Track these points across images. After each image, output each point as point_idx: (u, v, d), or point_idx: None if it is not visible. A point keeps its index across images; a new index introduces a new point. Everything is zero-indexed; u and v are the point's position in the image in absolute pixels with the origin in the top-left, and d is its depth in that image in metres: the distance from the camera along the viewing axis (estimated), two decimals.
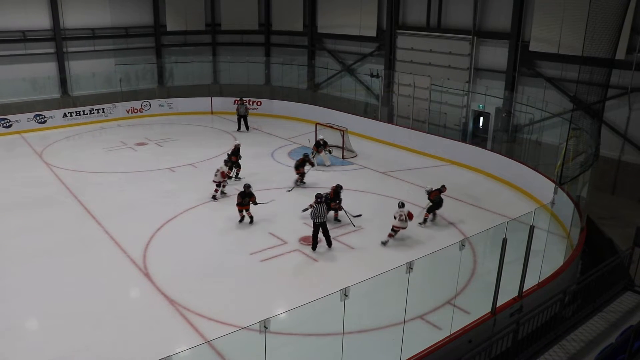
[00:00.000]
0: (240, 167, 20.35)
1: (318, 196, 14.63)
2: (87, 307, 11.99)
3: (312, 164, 20.18)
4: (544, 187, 17.19)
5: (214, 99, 31.68)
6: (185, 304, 12.03)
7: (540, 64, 21.75)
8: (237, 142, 20.84)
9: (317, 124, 24.68)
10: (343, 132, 23.15)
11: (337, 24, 30.50)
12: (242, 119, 27.65)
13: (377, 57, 28.73)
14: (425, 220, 16.39)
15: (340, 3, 30.04)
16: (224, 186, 18.52)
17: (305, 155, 19.99)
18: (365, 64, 29.48)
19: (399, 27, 27.28)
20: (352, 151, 23.45)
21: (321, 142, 21.99)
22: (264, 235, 15.40)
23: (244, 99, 28.54)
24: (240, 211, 16.29)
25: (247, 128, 27.72)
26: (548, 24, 20.88)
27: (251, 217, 16.32)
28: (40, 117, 27.70)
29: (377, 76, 27.64)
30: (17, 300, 12.35)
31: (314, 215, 14.31)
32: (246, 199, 16.05)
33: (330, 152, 22.32)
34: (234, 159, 20.15)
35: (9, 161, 22.81)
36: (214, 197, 18.29)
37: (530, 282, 11.39)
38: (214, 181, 18.31)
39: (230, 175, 19.47)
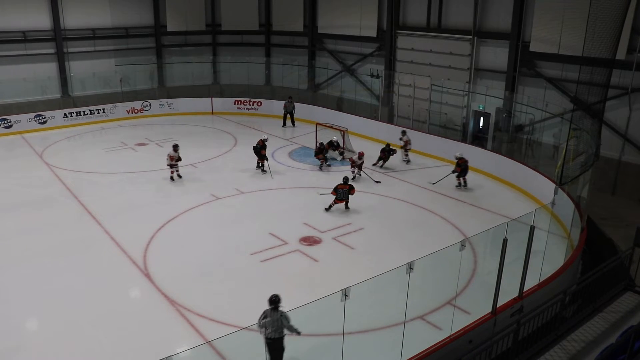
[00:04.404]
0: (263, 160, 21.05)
1: (273, 300, 9.33)
2: (87, 307, 11.99)
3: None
4: (544, 188, 17.19)
5: (214, 99, 31.69)
6: (185, 304, 12.02)
7: (541, 64, 21.76)
8: (265, 137, 21.46)
9: (317, 124, 24.67)
10: (343, 132, 23.17)
11: (337, 25, 30.51)
12: (288, 115, 28.95)
13: (378, 58, 28.75)
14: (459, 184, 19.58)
15: (341, 3, 30.05)
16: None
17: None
18: (365, 64, 29.50)
19: (399, 27, 27.30)
20: (352, 151, 23.44)
21: (335, 143, 22.84)
22: (264, 236, 15.39)
23: (291, 97, 29.40)
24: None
25: (293, 123, 28.99)
26: (548, 24, 20.90)
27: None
28: (41, 118, 27.70)
29: (378, 76, 27.65)
30: (17, 300, 12.34)
31: (266, 326, 9.25)
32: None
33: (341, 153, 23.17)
34: (263, 152, 20.90)
35: (10, 161, 22.82)
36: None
37: (531, 283, 11.39)
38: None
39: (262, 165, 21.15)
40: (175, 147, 20.02)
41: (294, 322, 9.20)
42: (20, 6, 28.57)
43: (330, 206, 17.24)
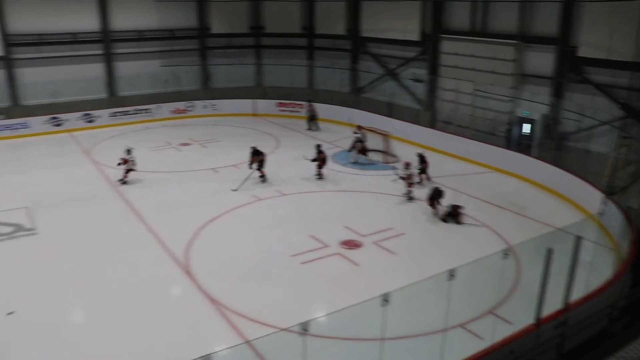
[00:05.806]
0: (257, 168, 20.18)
1: None
2: (128, 304, 12.27)
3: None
4: (592, 197, 16.72)
5: (257, 101, 31.97)
6: (226, 303, 12.17)
7: (589, 69, 21.18)
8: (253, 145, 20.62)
9: (357, 126, 24.54)
10: (386, 136, 23.06)
11: (380, 28, 30.37)
12: (311, 120, 29.23)
13: (421, 62, 28.50)
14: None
15: (384, 7, 29.91)
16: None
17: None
18: (408, 69, 29.28)
19: (442, 31, 27.02)
20: (394, 156, 23.33)
21: (357, 139, 23.04)
22: (304, 238, 15.44)
23: (311, 102, 29.72)
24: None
25: (317, 127, 29.14)
26: (597, 29, 20.32)
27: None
28: (89, 116, 28.49)
29: (420, 81, 27.42)
30: (61, 297, 12.69)
31: None
32: None
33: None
34: (252, 160, 20.06)
35: (59, 158, 23.58)
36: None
37: (577, 295, 11.09)
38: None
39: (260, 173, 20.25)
40: (129, 151, 19.98)
41: (333, 325, 9.20)
42: (70, 9, 29.38)
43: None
